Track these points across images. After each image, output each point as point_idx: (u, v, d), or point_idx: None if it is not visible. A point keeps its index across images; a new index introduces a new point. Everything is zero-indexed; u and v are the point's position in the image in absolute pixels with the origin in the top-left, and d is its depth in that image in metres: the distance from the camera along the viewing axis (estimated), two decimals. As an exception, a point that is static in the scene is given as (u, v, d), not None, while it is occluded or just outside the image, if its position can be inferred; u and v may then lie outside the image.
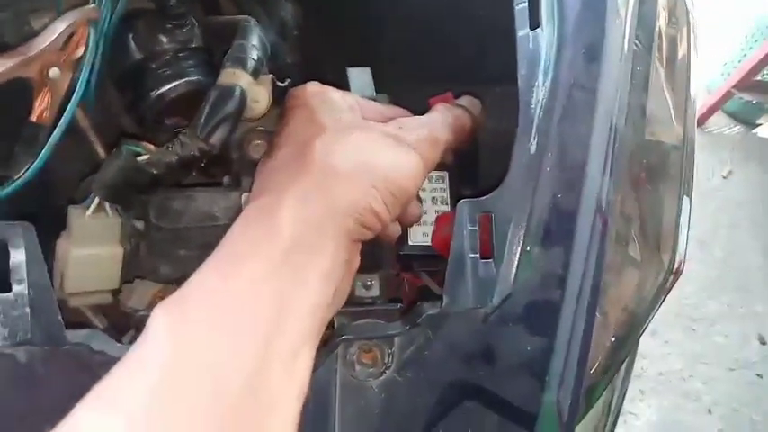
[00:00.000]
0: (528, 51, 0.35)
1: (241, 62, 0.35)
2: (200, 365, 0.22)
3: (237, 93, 0.34)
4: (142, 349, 0.23)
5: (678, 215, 0.37)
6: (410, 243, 0.43)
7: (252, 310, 0.25)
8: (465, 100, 0.41)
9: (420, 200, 0.43)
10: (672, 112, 0.38)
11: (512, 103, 0.37)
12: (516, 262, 0.34)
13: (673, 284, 0.38)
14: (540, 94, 0.34)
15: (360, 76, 0.40)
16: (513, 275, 0.34)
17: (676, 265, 0.38)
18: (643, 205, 0.37)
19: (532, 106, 0.34)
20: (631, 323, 0.37)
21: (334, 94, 0.36)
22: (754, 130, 1.85)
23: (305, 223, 0.28)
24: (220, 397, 0.22)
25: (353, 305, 0.38)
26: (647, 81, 0.37)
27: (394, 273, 0.47)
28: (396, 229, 0.38)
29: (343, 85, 0.39)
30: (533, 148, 0.34)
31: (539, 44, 0.35)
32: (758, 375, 1.57)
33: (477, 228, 0.34)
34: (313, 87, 0.36)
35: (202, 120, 0.34)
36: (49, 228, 0.35)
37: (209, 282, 0.26)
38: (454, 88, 0.43)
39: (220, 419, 0.21)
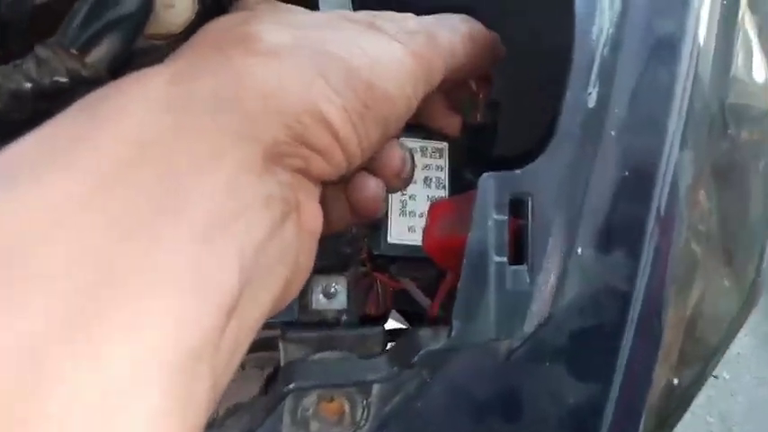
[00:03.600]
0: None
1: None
2: None
3: (137, -15, 0.21)
4: None
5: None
6: (389, 240, 0.30)
7: (43, 258, 0.12)
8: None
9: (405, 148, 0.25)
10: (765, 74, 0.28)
11: (537, 46, 0.27)
12: (560, 270, 0.22)
13: (750, 311, 0.28)
14: (605, 18, 0.23)
15: None
16: (554, 290, 0.22)
17: (759, 284, 0.27)
18: (723, 198, 0.27)
19: (593, 36, 0.23)
20: (701, 361, 0.26)
21: (289, 8, 0.23)
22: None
23: (174, 114, 0.16)
24: None
25: (309, 326, 0.26)
26: (735, 33, 0.27)
27: (362, 272, 0.35)
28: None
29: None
30: (593, 100, 0.23)
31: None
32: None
33: (506, 217, 0.22)
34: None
35: (76, 23, 0.21)
36: None
37: None
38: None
39: None
